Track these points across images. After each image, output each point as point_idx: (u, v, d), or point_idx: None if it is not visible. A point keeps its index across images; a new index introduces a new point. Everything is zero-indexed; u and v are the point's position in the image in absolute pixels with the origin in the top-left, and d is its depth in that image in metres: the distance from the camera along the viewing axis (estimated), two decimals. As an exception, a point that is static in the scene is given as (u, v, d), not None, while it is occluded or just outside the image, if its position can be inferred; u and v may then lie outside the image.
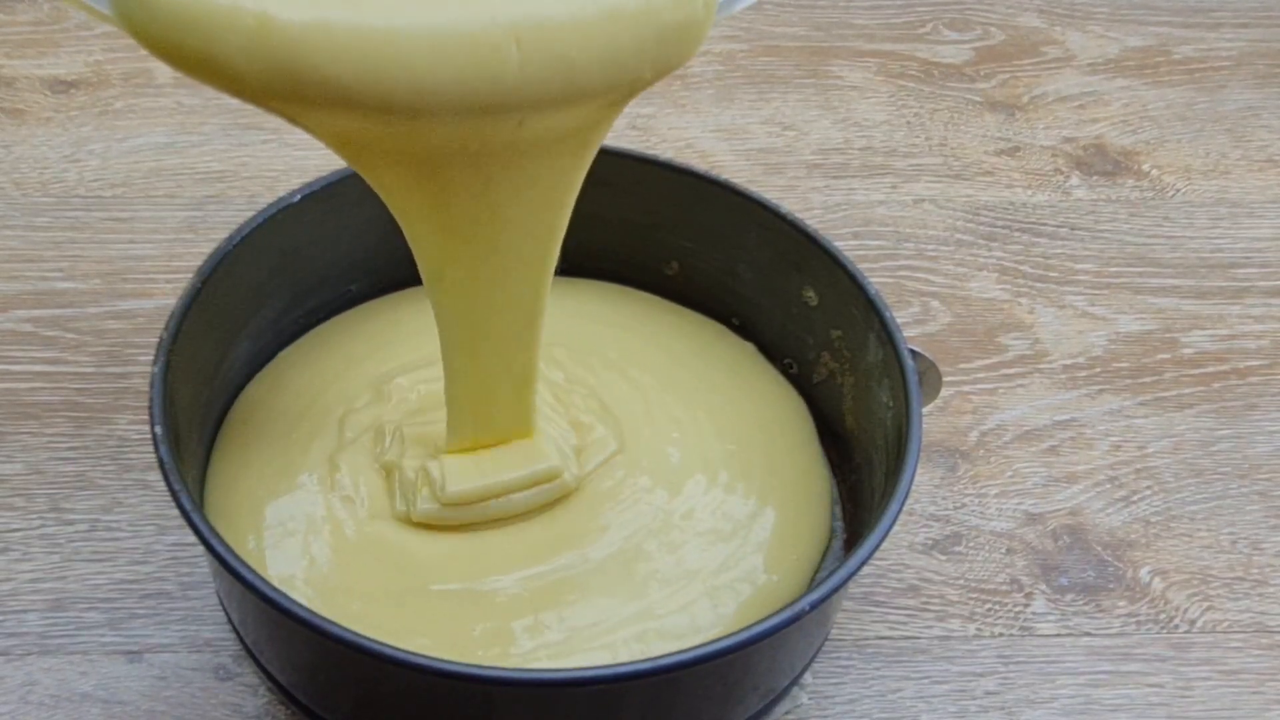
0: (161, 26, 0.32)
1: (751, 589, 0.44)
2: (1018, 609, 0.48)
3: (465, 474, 0.43)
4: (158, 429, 0.39)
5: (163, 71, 0.66)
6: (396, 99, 0.32)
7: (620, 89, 0.35)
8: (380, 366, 0.49)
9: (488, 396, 0.43)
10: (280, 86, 0.32)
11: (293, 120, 0.34)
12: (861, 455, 0.47)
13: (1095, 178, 0.65)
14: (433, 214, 0.37)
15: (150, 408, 0.40)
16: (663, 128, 0.66)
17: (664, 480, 0.46)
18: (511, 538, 0.44)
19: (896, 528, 0.45)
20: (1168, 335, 0.58)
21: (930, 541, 0.50)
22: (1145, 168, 0.66)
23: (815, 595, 0.37)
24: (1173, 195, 0.65)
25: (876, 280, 0.55)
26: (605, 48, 0.33)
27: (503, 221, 0.37)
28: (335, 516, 0.44)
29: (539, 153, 0.36)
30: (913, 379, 0.43)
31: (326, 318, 0.51)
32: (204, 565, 0.47)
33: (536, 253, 0.39)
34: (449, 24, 0.31)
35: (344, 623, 0.36)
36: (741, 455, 0.47)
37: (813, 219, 0.60)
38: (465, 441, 0.44)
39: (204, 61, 0.32)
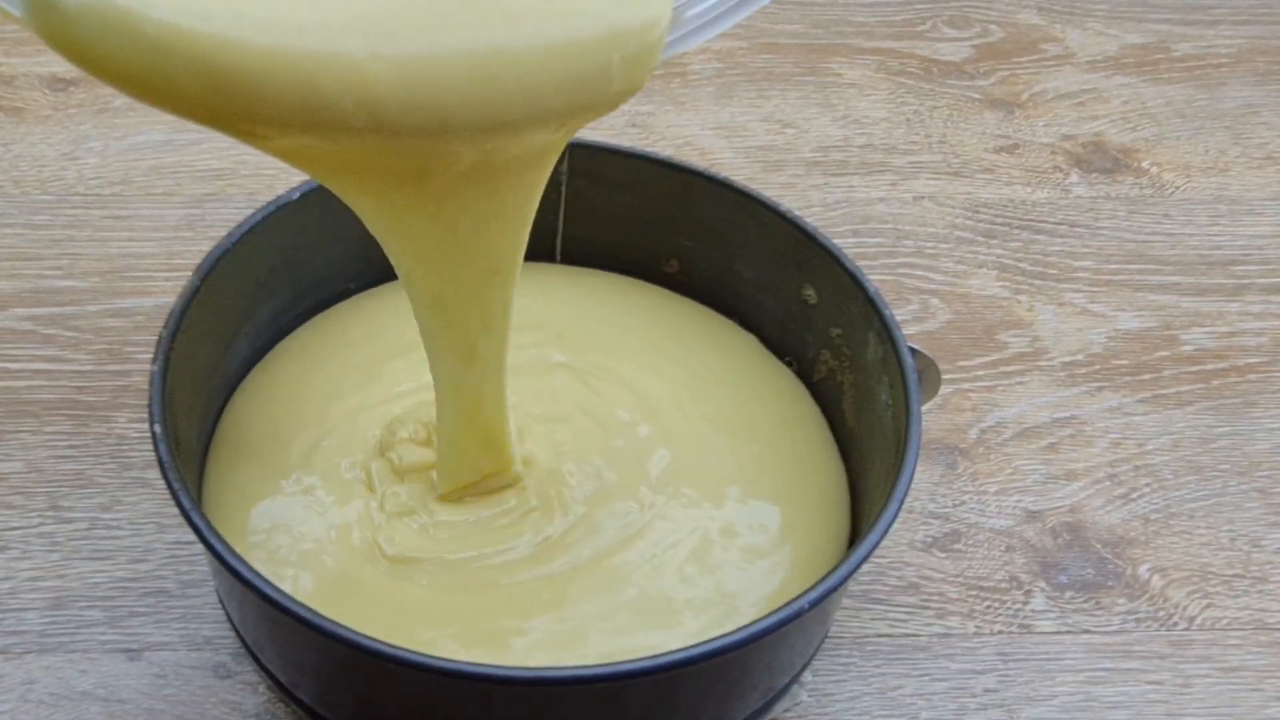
0: (76, 31, 0.30)
1: (776, 598, 0.43)
2: (1017, 606, 0.48)
3: (412, 541, 0.43)
4: (157, 427, 0.39)
5: (161, 69, 0.66)
6: (328, 119, 0.32)
7: (584, 114, 0.35)
8: (374, 352, 0.49)
9: (470, 436, 0.42)
10: (210, 101, 0.31)
11: (225, 132, 0.33)
12: (861, 453, 0.47)
13: (1094, 175, 0.65)
14: (400, 232, 0.37)
15: (149, 406, 0.40)
16: (662, 125, 0.66)
17: (708, 490, 0.45)
18: (537, 585, 0.42)
19: (896, 525, 0.45)
20: (1167, 332, 0.58)
21: (930, 539, 0.50)
22: (1145, 165, 0.66)
23: (814, 593, 0.37)
24: (1172, 192, 0.65)
25: (876, 278, 0.55)
26: (564, 74, 0.33)
27: (466, 236, 0.37)
28: (313, 534, 0.43)
29: (489, 174, 0.36)
30: (912, 377, 0.43)
31: (325, 315, 0.51)
32: (203, 563, 0.47)
33: (499, 276, 0.39)
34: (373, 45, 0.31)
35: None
36: (768, 457, 0.47)
37: (812, 217, 0.60)
38: (455, 483, 0.43)
39: (115, 71, 0.30)
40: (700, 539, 0.44)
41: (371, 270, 0.51)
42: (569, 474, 0.45)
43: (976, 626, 0.47)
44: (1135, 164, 0.66)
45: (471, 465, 0.43)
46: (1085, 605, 0.48)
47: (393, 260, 0.39)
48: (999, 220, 0.62)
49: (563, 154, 0.49)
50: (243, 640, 0.43)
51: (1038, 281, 0.59)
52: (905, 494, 0.40)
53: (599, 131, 0.65)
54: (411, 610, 0.41)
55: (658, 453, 0.46)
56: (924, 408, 0.43)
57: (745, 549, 0.44)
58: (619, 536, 0.44)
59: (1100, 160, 0.66)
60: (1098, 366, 0.56)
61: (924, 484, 0.51)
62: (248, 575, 0.36)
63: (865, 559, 0.38)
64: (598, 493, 0.45)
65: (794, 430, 0.48)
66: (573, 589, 0.42)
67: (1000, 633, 0.47)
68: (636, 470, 0.45)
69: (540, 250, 0.52)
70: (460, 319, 0.39)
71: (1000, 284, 0.59)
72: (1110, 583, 0.49)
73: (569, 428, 0.46)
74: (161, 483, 0.40)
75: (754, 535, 0.44)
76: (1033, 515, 0.51)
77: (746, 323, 0.52)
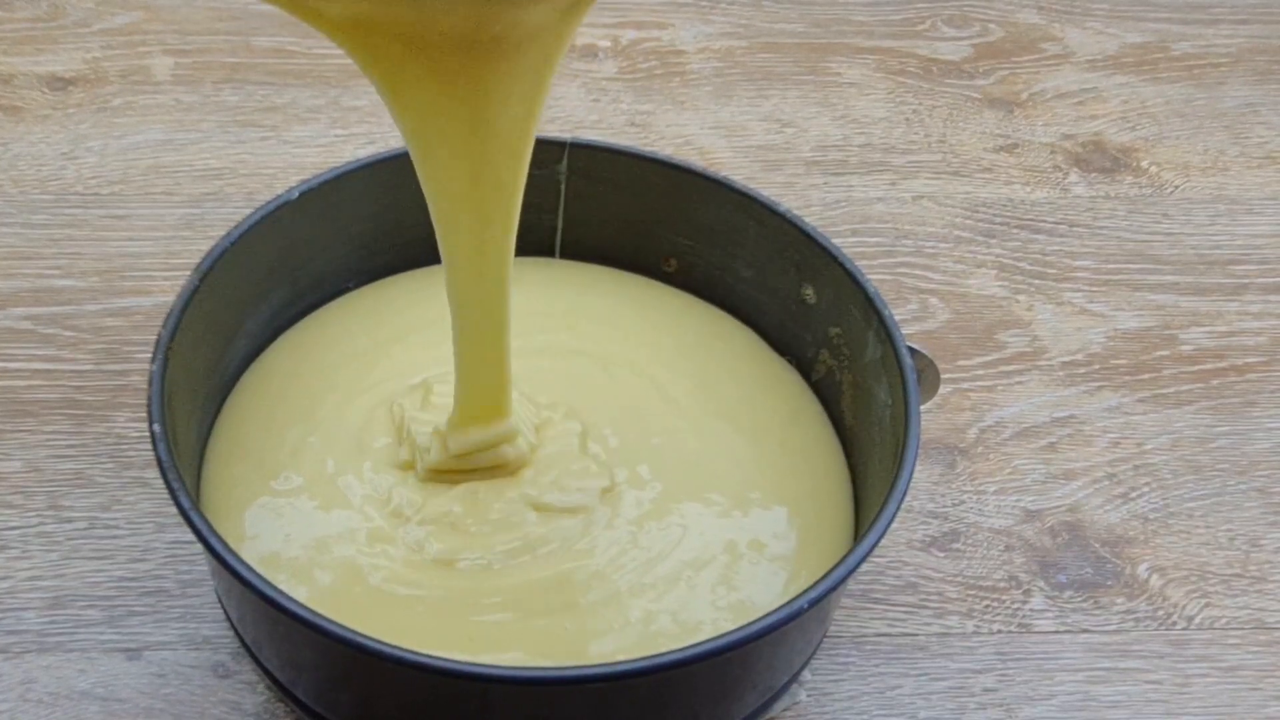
0: None
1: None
2: (1016, 606, 0.48)
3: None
4: (156, 427, 0.39)
5: (161, 69, 0.66)
6: None
7: None
8: (370, 342, 0.49)
9: (479, 368, 0.42)
10: None
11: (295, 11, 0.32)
12: (860, 452, 0.47)
13: (1094, 174, 0.65)
14: (429, 112, 0.36)
15: (148, 405, 0.40)
16: (661, 124, 0.66)
17: (735, 498, 0.45)
18: (545, 617, 0.42)
19: (895, 525, 0.45)
20: (1166, 332, 0.58)
21: (929, 538, 0.50)
22: (1144, 164, 0.66)
23: (813, 593, 0.37)
24: (1171, 192, 0.65)
25: (875, 277, 0.55)
26: None
27: (489, 119, 0.36)
28: (301, 539, 0.43)
29: (516, 45, 0.35)
30: (911, 376, 0.43)
31: (324, 314, 0.51)
32: (202, 563, 0.47)
33: (514, 167, 0.38)
34: None
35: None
36: (782, 458, 0.47)
37: (811, 216, 0.60)
38: (470, 414, 0.43)
39: None
40: (730, 553, 0.43)
41: (370, 269, 0.51)
42: (621, 488, 0.44)
43: (975, 626, 0.47)
44: (1134, 163, 0.66)
45: (478, 408, 0.43)
46: (1084, 605, 0.48)
47: (411, 141, 0.38)
48: (998, 220, 0.62)
49: (562, 153, 0.50)
50: (242, 640, 0.43)
51: (1037, 281, 0.59)
52: (904, 494, 0.40)
53: (599, 131, 0.65)
54: (405, 633, 0.40)
55: (690, 456, 0.46)
56: (923, 407, 0.43)
57: (771, 559, 0.44)
58: (651, 558, 0.43)
59: (1099, 160, 0.66)
60: (1097, 366, 0.56)
61: (923, 483, 0.51)
62: (246, 575, 0.36)
63: (864, 559, 0.38)
64: (649, 509, 0.44)
65: (803, 430, 0.48)
66: (605, 617, 0.42)
67: (999, 632, 0.47)
68: (677, 478, 0.45)
69: (539, 248, 0.52)
70: (475, 204, 0.39)
71: (999, 284, 0.59)
72: (1109, 582, 0.49)
73: (610, 427, 0.46)
74: (160, 482, 0.40)
75: (778, 544, 0.44)
76: (1032, 515, 0.51)
77: (745, 322, 0.52)
